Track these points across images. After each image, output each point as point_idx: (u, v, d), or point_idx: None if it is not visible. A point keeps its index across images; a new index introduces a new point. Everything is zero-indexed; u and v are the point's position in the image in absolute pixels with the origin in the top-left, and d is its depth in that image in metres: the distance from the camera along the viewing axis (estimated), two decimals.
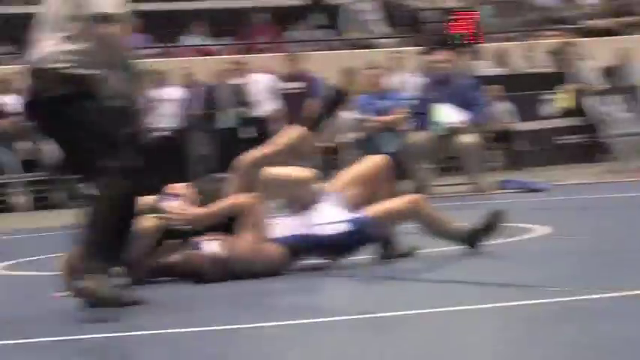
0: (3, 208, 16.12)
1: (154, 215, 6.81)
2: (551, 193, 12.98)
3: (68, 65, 5.74)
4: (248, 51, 19.81)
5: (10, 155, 16.54)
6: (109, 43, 5.93)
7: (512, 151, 18.28)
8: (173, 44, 20.68)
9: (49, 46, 5.76)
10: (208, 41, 20.70)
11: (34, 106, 5.85)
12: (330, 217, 6.89)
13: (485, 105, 13.65)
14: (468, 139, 12.90)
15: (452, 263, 7.01)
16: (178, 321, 5.47)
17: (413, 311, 5.31)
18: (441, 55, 13.59)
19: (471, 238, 7.02)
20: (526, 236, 8.21)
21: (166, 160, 17.32)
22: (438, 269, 6.90)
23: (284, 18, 21.56)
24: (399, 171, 8.68)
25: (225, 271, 6.69)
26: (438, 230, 7.08)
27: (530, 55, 20.57)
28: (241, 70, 17.37)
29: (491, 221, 7.00)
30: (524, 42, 21.14)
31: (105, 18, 5.77)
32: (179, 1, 21.78)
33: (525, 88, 19.07)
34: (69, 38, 5.82)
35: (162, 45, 20.47)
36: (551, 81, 19.64)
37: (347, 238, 6.87)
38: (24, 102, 6.00)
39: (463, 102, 12.95)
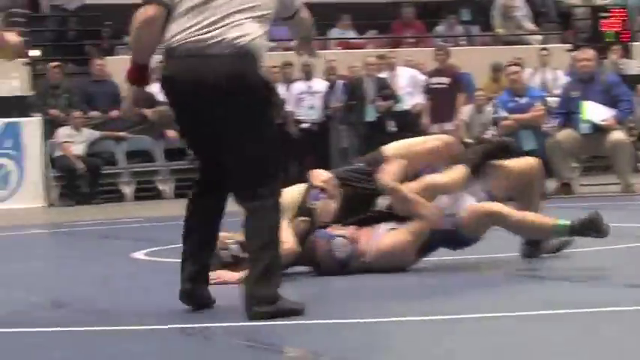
0: (150, 196, 16.38)
1: (302, 219, 6.83)
2: None
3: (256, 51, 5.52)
4: (395, 45, 19.80)
5: (157, 144, 16.83)
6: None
7: None
8: (319, 37, 20.77)
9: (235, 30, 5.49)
10: (353, 35, 20.76)
11: (197, 93, 5.48)
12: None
13: (632, 103, 13.39)
14: (618, 137, 12.70)
15: (599, 263, 6.97)
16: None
17: (558, 311, 5.30)
18: (587, 53, 13.42)
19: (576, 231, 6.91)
20: None
21: (310, 152, 17.57)
22: (584, 269, 6.84)
23: (432, 12, 21.52)
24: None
25: (343, 267, 6.79)
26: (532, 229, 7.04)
27: None
28: (387, 63, 17.41)
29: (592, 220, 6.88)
30: None
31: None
32: None
33: None
34: (259, 20, 5.62)
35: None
36: None
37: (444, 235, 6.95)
38: (179, 87, 5.55)
39: (609, 100, 12.76)
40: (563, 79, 18.10)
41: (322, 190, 6.94)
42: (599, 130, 12.70)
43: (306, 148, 17.70)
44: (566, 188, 12.87)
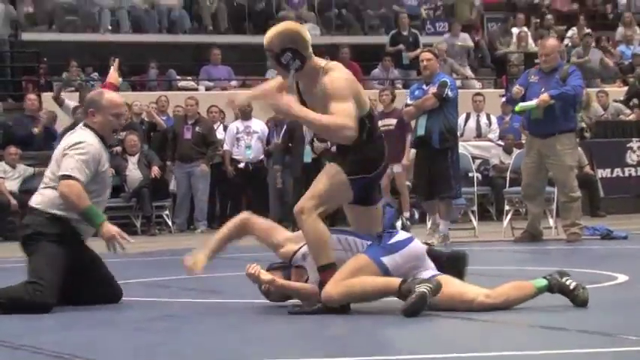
0: None
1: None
2: (632, 241, 12.81)
3: None
4: None
5: None
6: None
7: None
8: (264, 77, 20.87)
9: None
10: None
11: None
12: None
13: (578, 88, 13.16)
14: None
15: (528, 307, 6.96)
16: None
17: (494, 353, 5.31)
18: (548, 47, 13.42)
19: None
20: (606, 283, 8.10)
21: (246, 191, 17.58)
22: (521, 313, 6.85)
23: (370, 55, 21.63)
24: None
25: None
26: None
27: None
28: None
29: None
30: None
31: None
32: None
33: None
34: None
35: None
36: None
37: None
38: None
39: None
40: (496, 123, 18.33)
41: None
42: None
43: (242, 188, 17.74)
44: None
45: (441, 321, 6.42)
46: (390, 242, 6.76)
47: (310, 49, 7.03)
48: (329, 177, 6.94)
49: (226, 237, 7.13)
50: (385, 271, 6.68)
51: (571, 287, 6.64)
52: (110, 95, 7.69)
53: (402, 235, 6.90)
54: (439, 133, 12.76)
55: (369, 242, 6.82)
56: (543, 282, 6.67)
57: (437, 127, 12.76)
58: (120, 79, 8.56)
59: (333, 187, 6.90)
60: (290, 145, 16.82)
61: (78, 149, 7.38)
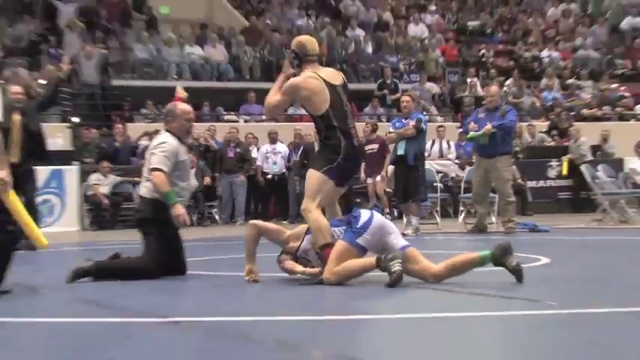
0: None
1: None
2: (552, 233, 12.83)
3: None
4: None
5: None
6: None
7: None
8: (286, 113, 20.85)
9: None
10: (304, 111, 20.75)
11: None
12: None
13: (513, 122, 13.19)
14: None
15: (476, 279, 6.94)
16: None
17: (437, 314, 5.30)
18: (492, 91, 13.48)
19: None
20: (533, 264, 8.12)
21: (272, 196, 17.57)
22: (463, 282, 6.83)
23: (362, 97, 21.60)
24: None
25: None
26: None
27: None
28: None
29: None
30: None
31: None
32: None
33: None
34: None
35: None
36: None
37: None
38: None
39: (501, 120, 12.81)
40: (454, 148, 18.34)
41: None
42: None
43: (269, 193, 17.77)
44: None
45: (409, 290, 6.35)
46: (358, 226, 6.58)
47: (310, 57, 7.17)
48: (309, 178, 7.03)
49: (252, 248, 6.96)
50: (362, 250, 6.60)
51: (513, 264, 6.49)
52: (182, 106, 7.73)
53: (364, 215, 6.65)
54: (414, 154, 12.81)
55: (344, 228, 6.68)
56: (487, 252, 6.51)
57: (412, 150, 12.82)
58: (185, 94, 8.38)
59: (315, 183, 6.95)
60: (305, 162, 16.87)
61: (160, 147, 7.41)
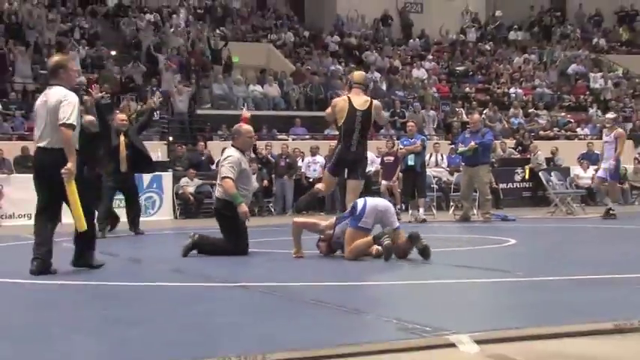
0: None
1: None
2: (518, 222, 12.69)
3: None
4: None
5: None
6: None
7: None
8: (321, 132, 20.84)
9: None
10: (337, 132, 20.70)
11: None
12: None
13: (490, 141, 13.03)
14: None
15: (460, 256, 6.85)
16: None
17: (436, 281, 5.23)
18: (474, 118, 13.50)
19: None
20: (504, 244, 8.03)
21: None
22: (453, 258, 6.74)
23: None
24: None
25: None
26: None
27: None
28: None
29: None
30: None
31: None
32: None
33: None
34: None
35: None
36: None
37: None
38: None
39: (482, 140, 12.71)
40: (446, 160, 18.17)
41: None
42: None
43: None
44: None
45: (397, 263, 6.23)
46: (357, 213, 6.46)
47: (355, 85, 7.44)
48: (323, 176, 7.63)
49: (297, 236, 6.87)
50: (366, 230, 6.44)
51: (424, 243, 6.25)
52: (246, 126, 7.62)
53: (360, 203, 6.51)
54: (420, 164, 12.85)
55: (349, 217, 6.56)
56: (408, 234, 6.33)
57: (419, 161, 12.91)
58: (249, 114, 8.37)
59: (325, 178, 7.58)
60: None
61: (227, 160, 7.31)
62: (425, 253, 6.29)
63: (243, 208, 7.19)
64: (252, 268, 6.49)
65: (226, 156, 7.39)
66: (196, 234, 7.24)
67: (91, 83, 13.42)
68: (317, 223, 6.99)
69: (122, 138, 10.50)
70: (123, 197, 10.99)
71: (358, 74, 7.77)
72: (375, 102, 7.63)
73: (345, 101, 7.42)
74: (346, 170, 7.55)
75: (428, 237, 6.85)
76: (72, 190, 5.73)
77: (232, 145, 7.52)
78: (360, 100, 7.45)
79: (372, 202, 6.55)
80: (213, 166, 16.51)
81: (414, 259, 6.41)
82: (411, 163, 12.99)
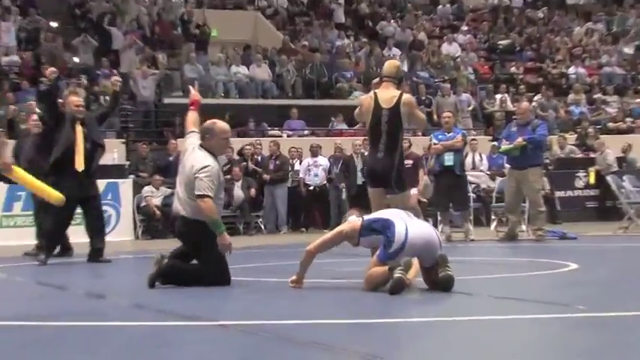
0: None
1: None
2: (580, 241, 12.67)
3: None
4: None
5: None
6: None
7: None
8: (325, 128, 20.93)
9: None
10: (345, 126, 20.85)
11: None
12: None
13: (543, 136, 13.12)
14: None
15: (509, 284, 6.87)
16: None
17: (475, 317, 5.24)
18: (523, 107, 13.51)
19: None
20: (562, 269, 8.05)
21: (314, 206, 17.62)
22: (496, 288, 6.75)
23: None
24: None
25: None
26: None
27: None
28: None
29: None
30: None
31: None
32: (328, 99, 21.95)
33: None
34: None
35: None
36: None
37: None
38: None
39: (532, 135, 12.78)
40: (486, 161, 18.20)
41: None
42: None
43: (311, 203, 17.76)
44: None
45: (427, 294, 6.27)
46: (392, 249, 6.40)
47: (385, 78, 7.77)
48: None
49: (307, 264, 6.82)
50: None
51: (448, 272, 6.24)
52: (220, 124, 7.45)
53: (397, 235, 6.41)
54: (459, 164, 12.99)
55: (382, 238, 6.51)
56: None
57: (458, 161, 13.09)
58: (200, 96, 8.11)
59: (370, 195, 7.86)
60: (345, 174, 16.95)
61: (205, 172, 7.07)
62: (444, 285, 6.27)
63: (226, 239, 7.07)
64: (234, 302, 6.50)
65: (203, 166, 7.11)
66: (164, 258, 7.21)
67: (45, 69, 13.19)
68: (337, 233, 6.83)
69: (79, 128, 10.19)
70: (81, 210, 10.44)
71: (389, 65, 7.96)
72: (405, 96, 7.78)
73: (370, 98, 7.74)
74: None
75: (462, 261, 6.86)
76: (19, 176, 6.03)
77: (202, 147, 7.29)
78: (387, 96, 7.65)
79: (413, 237, 6.45)
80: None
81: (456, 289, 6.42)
82: (449, 163, 13.12)
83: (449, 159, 13.15)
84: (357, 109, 7.97)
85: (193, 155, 7.30)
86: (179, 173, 7.50)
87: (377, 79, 8.04)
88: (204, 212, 7.06)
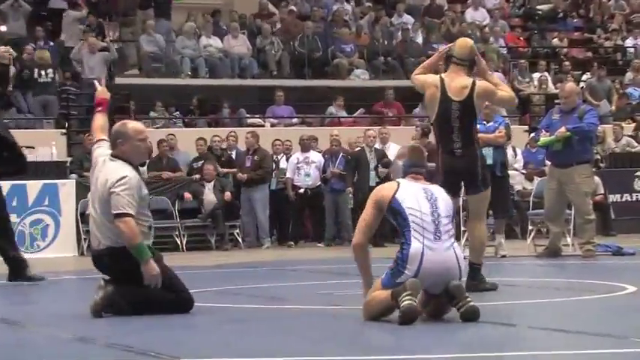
0: (167, 248, 16.14)
1: None
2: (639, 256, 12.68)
3: None
4: (381, 123, 19.70)
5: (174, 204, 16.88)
6: None
7: None
8: (319, 115, 20.95)
9: None
10: (344, 113, 20.87)
11: None
12: None
13: (593, 125, 13.11)
14: None
15: (553, 311, 6.88)
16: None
17: (510, 353, 5.24)
18: (567, 90, 13.53)
19: None
20: (617, 293, 8.04)
21: (305, 212, 17.65)
22: (535, 316, 6.76)
23: (410, 96, 21.60)
24: None
25: None
26: None
27: None
28: (383, 138, 17.76)
29: None
30: None
31: None
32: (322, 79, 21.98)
33: None
34: None
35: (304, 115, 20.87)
36: None
37: None
38: None
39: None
40: (520, 156, 18.22)
41: None
42: None
43: (302, 210, 17.76)
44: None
45: (454, 326, 6.30)
46: (398, 281, 6.34)
47: (455, 60, 8.04)
48: None
49: (364, 267, 6.78)
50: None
51: (470, 303, 6.28)
52: (133, 124, 7.49)
53: (411, 258, 6.37)
54: (500, 164, 12.87)
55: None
56: None
57: (499, 159, 12.88)
58: (108, 96, 7.99)
59: None
60: (344, 173, 16.97)
61: (122, 185, 7.06)
62: (469, 316, 6.27)
63: (153, 268, 7.07)
64: (202, 335, 6.50)
65: (119, 177, 7.09)
66: (109, 283, 7.19)
67: None
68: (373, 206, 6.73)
69: None
70: None
71: (460, 44, 8.21)
72: (479, 86, 8.07)
73: (436, 87, 7.87)
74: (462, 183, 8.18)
75: (493, 281, 6.87)
76: None
77: (114, 156, 7.27)
78: (457, 85, 7.94)
79: (428, 263, 6.36)
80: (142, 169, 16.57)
81: (487, 319, 6.42)
82: (488, 161, 12.89)
83: (487, 156, 12.99)
84: (420, 87, 8.22)
85: (105, 168, 7.26)
86: (91, 192, 7.43)
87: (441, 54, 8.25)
88: (124, 236, 7.04)
